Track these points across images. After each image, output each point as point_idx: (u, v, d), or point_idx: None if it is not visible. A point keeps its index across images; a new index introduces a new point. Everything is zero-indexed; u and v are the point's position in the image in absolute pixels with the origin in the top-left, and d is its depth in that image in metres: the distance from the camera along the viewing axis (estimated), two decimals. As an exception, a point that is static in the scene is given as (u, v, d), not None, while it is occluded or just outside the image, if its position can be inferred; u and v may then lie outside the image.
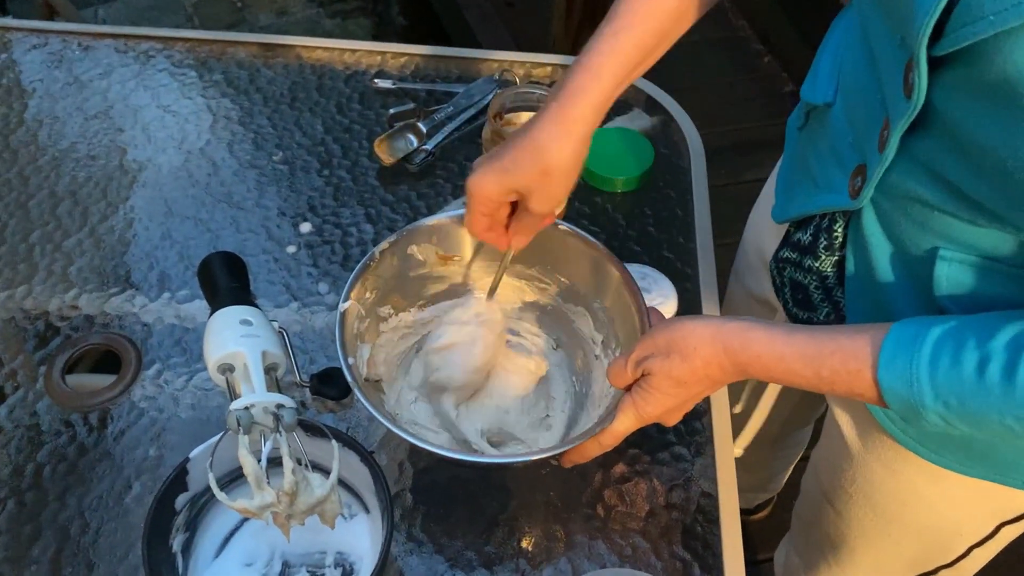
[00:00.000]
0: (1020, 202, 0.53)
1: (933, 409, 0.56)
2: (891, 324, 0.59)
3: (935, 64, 0.55)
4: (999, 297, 0.60)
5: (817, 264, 0.75)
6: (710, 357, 0.64)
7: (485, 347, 0.81)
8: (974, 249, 0.60)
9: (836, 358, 0.60)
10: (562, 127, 0.69)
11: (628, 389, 0.70)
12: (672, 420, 0.70)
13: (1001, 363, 0.53)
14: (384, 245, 0.79)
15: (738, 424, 1.20)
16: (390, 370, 0.82)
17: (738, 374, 0.65)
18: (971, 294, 0.62)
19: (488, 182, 0.71)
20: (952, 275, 0.62)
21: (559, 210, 0.99)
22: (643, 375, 0.68)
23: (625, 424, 0.69)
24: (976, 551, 0.82)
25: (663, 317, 0.75)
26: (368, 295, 0.78)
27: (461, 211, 0.81)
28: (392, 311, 0.82)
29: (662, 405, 0.68)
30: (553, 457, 0.70)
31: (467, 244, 0.83)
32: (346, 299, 0.75)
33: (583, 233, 0.80)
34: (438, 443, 0.77)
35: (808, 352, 0.61)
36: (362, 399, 0.69)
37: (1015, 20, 0.47)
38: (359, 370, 0.75)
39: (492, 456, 0.77)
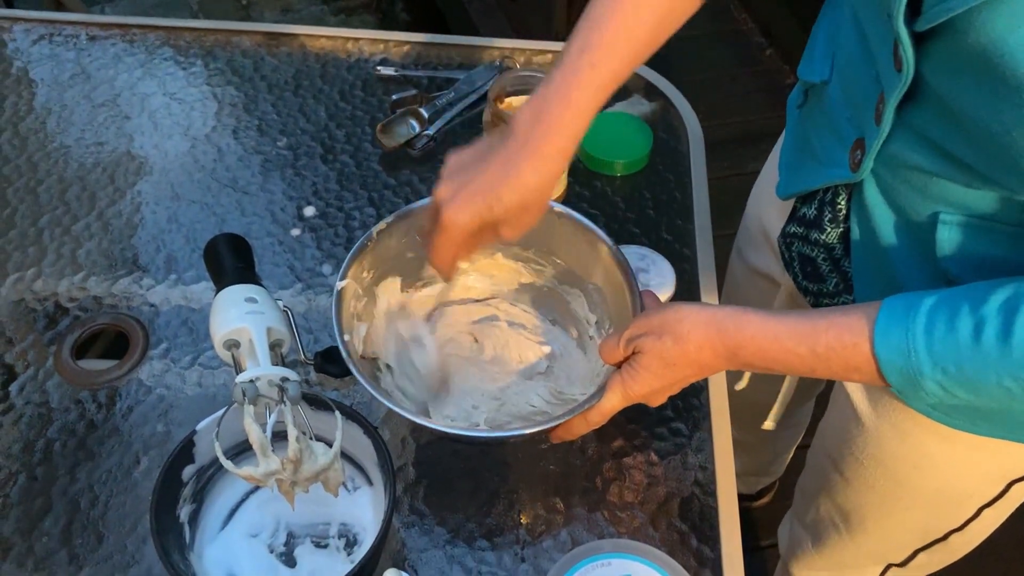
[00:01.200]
0: (1008, 166, 0.55)
1: (931, 377, 0.57)
2: (883, 300, 0.60)
3: (920, 38, 0.57)
4: (1000, 257, 0.62)
5: (823, 236, 0.76)
6: (703, 340, 0.65)
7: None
8: (972, 211, 0.62)
9: (831, 333, 0.61)
10: (546, 163, 0.66)
11: (619, 367, 0.71)
12: (656, 401, 0.71)
13: (996, 326, 0.54)
14: (382, 225, 0.80)
15: (765, 400, 1.20)
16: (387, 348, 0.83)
17: (730, 358, 0.66)
18: (972, 255, 0.63)
19: (468, 217, 0.67)
20: (953, 238, 0.63)
21: (558, 194, 1.01)
22: (634, 353, 0.69)
23: (612, 402, 0.70)
24: (986, 511, 0.83)
25: (657, 299, 0.76)
26: (365, 274, 0.80)
27: None
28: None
29: (648, 385, 0.68)
30: (543, 433, 0.71)
31: None
32: (343, 277, 0.77)
33: (577, 215, 0.81)
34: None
35: (802, 329, 0.62)
36: (356, 373, 0.70)
37: None
38: (355, 347, 0.76)
39: (481, 431, 0.78)
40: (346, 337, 0.74)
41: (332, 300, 0.75)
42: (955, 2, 0.51)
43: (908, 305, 0.58)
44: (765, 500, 1.57)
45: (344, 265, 0.77)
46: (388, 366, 0.82)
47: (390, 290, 0.83)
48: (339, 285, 0.76)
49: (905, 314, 0.58)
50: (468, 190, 0.67)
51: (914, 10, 0.56)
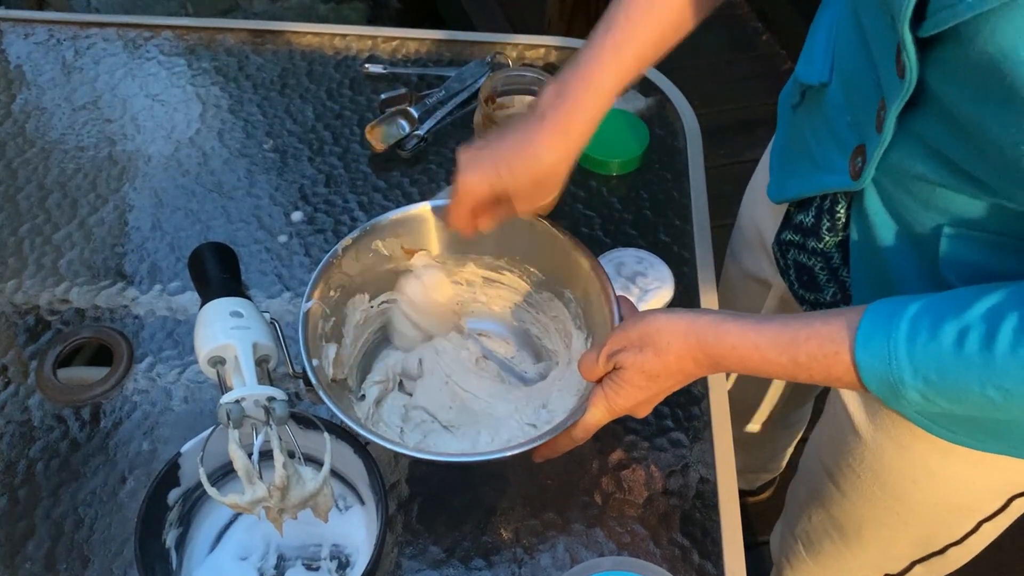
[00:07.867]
0: (1017, 179, 0.52)
1: (912, 385, 0.55)
2: (866, 306, 0.58)
3: (925, 44, 0.54)
4: (1005, 271, 0.59)
5: (821, 245, 0.74)
6: (683, 351, 0.64)
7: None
8: (978, 224, 0.59)
9: (812, 343, 0.59)
10: (562, 139, 0.68)
11: (599, 382, 0.69)
12: (642, 412, 0.70)
13: (980, 333, 0.53)
14: (347, 241, 0.77)
15: (750, 403, 1.19)
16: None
17: (712, 367, 0.64)
18: (977, 268, 0.61)
19: (480, 184, 0.70)
20: (957, 250, 0.61)
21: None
22: (615, 368, 0.67)
23: (596, 417, 0.68)
24: (985, 526, 0.82)
25: (633, 307, 0.74)
26: (332, 293, 0.77)
27: (425, 204, 0.80)
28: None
29: (633, 398, 0.67)
30: (526, 453, 0.69)
31: (433, 238, 0.82)
32: (308, 299, 0.74)
33: (551, 223, 0.78)
34: (409, 443, 0.77)
35: (783, 339, 0.60)
36: (326, 399, 0.68)
37: (994, 1, 0.46)
38: (325, 371, 0.74)
39: (460, 455, 0.75)
40: (315, 362, 0.71)
41: (299, 324, 0.73)
42: (962, 8, 0.48)
43: (892, 312, 0.56)
44: (766, 495, 1.56)
45: (309, 286, 0.74)
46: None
47: (360, 307, 0.81)
48: (305, 308, 0.73)
49: (888, 321, 0.56)
50: (482, 156, 0.70)
51: (919, 15, 0.53)
